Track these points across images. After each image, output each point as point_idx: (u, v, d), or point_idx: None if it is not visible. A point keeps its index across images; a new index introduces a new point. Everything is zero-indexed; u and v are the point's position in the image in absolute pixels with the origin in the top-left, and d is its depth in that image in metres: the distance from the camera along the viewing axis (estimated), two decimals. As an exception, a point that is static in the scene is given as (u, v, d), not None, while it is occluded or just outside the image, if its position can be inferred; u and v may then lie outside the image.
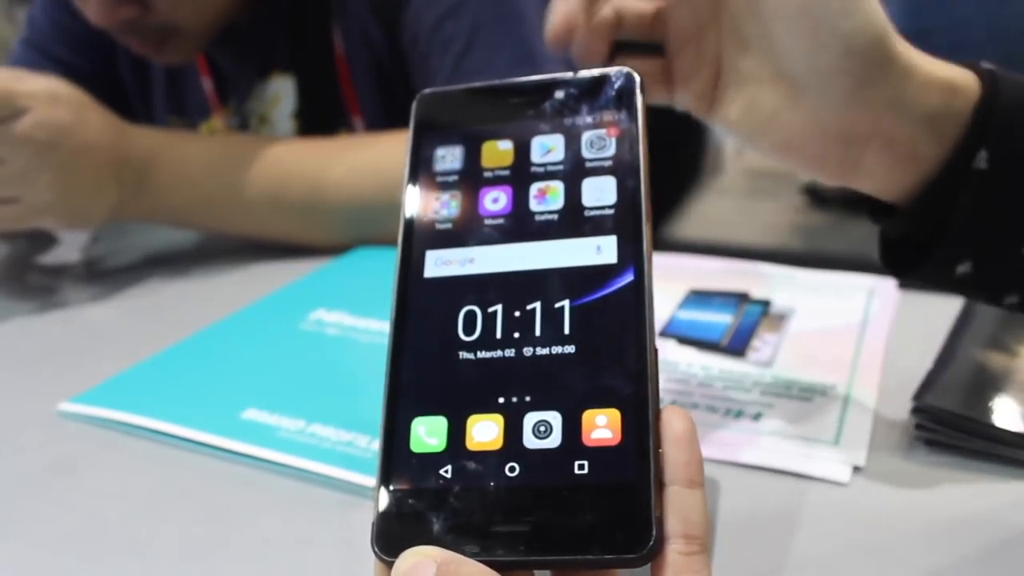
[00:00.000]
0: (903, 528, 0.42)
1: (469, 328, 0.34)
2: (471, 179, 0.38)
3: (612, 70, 0.38)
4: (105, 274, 0.78)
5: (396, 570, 0.28)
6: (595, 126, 0.37)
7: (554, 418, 0.31)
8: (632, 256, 0.34)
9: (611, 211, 0.35)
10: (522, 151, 0.38)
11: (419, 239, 0.37)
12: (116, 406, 0.52)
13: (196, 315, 0.65)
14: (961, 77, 0.41)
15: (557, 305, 0.33)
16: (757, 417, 0.51)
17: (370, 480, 0.44)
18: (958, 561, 0.40)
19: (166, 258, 0.81)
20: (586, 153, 0.37)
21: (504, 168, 0.38)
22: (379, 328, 0.61)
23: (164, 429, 0.50)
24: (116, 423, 0.51)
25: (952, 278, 0.43)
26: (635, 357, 0.31)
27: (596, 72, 0.38)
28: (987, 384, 0.51)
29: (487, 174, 0.38)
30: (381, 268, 0.74)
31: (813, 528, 0.42)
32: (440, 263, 0.36)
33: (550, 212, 0.36)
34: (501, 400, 0.32)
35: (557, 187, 0.36)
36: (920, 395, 0.49)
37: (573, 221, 0.35)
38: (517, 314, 0.33)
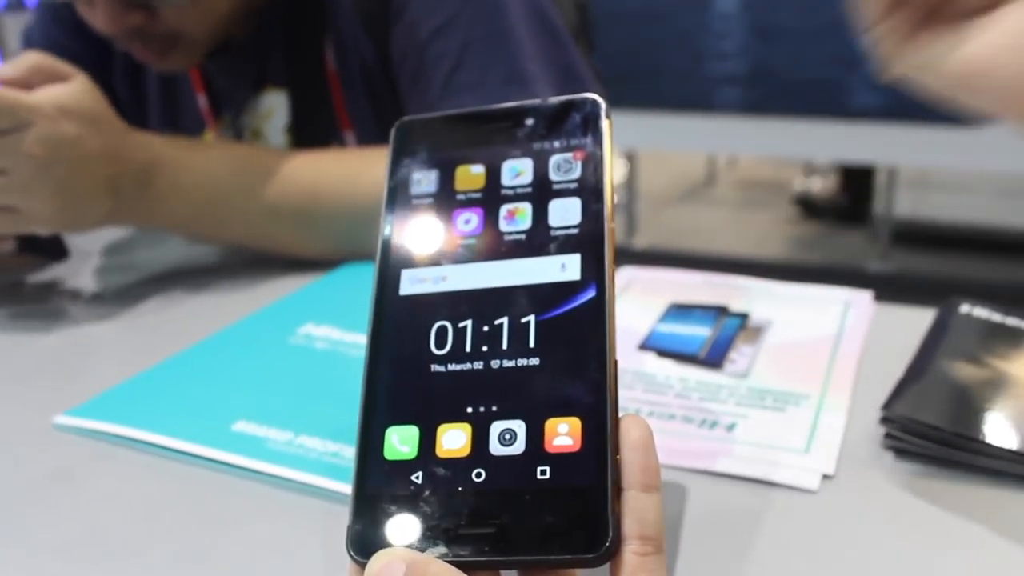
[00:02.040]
0: (869, 535, 0.43)
1: (441, 342, 0.36)
2: (445, 201, 0.40)
3: (579, 97, 0.40)
4: (98, 290, 0.79)
5: (368, 571, 0.30)
6: (562, 150, 0.39)
7: (518, 426, 0.33)
8: (594, 273, 0.35)
9: (575, 230, 0.37)
10: (493, 174, 0.40)
11: (396, 258, 0.39)
12: (110, 419, 0.54)
13: (188, 330, 0.67)
14: None
15: (523, 320, 0.35)
16: (731, 427, 0.52)
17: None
18: (922, 568, 0.41)
19: (157, 275, 0.82)
20: (553, 176, 0.39)
21: (476, 191, 0.40)
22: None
23: (157, 441, 0.51)
24: (111, 435, 0.53)
25: None
26: (595, 369, 0.33)
27: (564, 99, 0.40)
28: (956, 395, 0.52)
29: (460, 196, 0.40)
30: (368, 284, 0.75)
31: (782, 535, 0.43)
32: (415, 281, 0.38)
33: (518, 232, 0.38)
34: (469, 410, 0.34)
35: (525, 208, 0.38)
36: (889, 405, 0.51)
37: (540, 240, 0.37)
38: (486, 328, 0.35)
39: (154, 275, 0.82)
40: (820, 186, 3.79)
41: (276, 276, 0.79)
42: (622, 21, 2.89)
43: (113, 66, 1.04)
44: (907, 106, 2.74)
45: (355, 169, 0.81)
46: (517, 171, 0.40)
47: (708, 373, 0.59)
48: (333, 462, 0.49)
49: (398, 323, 0.37)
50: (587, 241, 0.37)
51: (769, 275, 0.74)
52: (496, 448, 0.32)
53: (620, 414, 0.32)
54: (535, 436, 0.32)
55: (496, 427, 0.33)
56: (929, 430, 0.49)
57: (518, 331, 0.35)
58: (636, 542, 0.30)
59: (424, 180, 0.41)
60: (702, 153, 4.20)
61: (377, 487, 0.33)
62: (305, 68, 0.94)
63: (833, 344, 0.62)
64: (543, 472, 0.31)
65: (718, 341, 0.62)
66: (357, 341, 0.63)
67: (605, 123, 0.39)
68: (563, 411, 0.33)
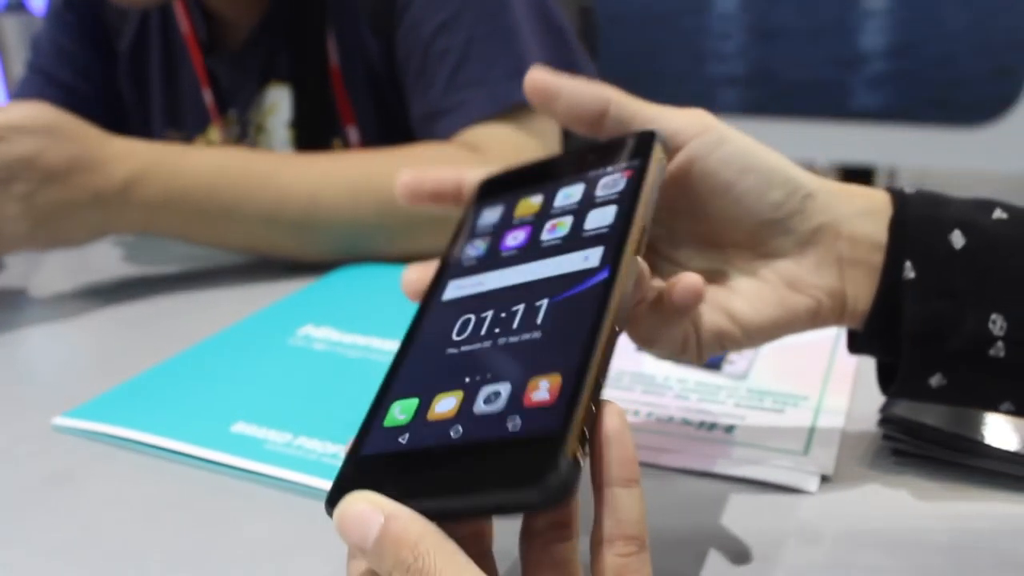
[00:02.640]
0: (867, 536, 0.43)
1: (461, 330, 0.37)
2: (502, 226, 0.42)
3: (639, 131, 0.42)
4: (97, 292, 0.79)
5: (341, 510, 0.30)
6: (612, 173, 0.41)
7: (504, 387, 0.33)
8: (612, 259, 0.36)
9: (605, 230, 0.38)
10: (548, 200, 0.42)
11: (446, 273, 0.41)
12: (109, 420, 0.54)
13: (187, 331, 0.67)
14: (874, 192, 0.46)
15: (537, 303, 0.36)
16: (730, 429, 0.52)
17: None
18: (920, 569, 0.41)
19: (156, 277, 0.82)
20: (599, 192, 0.40)
21: (530, 215, 0.42)
22: (365, 343, 0.63)
23: (156, 442, 0.51)
24: (110, 436, 0.53)
25: (930, 391, 0.45)
26: (589, 333, 0.33)
27: (626, 134, 0.43)
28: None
29: (515, 221, 0.42)
30: (367, 285, 0.75)
31: (780, 536, 0.43)
32: (456, 288, 0.40)
33: (556, 239, 0.39)
34: (467, 380, 0.34)
35: (567, 220, 0.40)
36: (887, 406, 0.51)
37: (573, 242, 0.39)
38: (503, 315, 0.36)
39: (153, 277, 0.82)
40: (820, 187, 3.79)
41: (275, 277, 0.79)
42: (622, 23, 2.89)
43: (117, 67, 1.05)
44: (907, 107, 2.74)
45: (355, 175, 0.81)
46: (568, 194, 0.41)
47: (707, 374, 0.59)
48: (332, 463, 0.49)
49: (432, 322, 0.39)
50: (612, 235, 0.37)
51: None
52: (479, 407, 0.33)
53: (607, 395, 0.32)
54: (517, 394, 0.32)
55: (484, 391, 0.33)
56: (928, 431, 0.49)
57: (530, 312, 0.36)
58: (619, 543, 0.30)
59: (490, 215, 0.43)
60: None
61: (365, 449, 0.34)
62: (307, 63, 0.95)
63: (832, 345, 0.62)
64: (514, 424, 0.31)
65: (717, 342, 0.62)
66: (356, 342, 0.63)
67: (657, 147, 0.41)
68: (547, 369, 0.32)
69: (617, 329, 0.34)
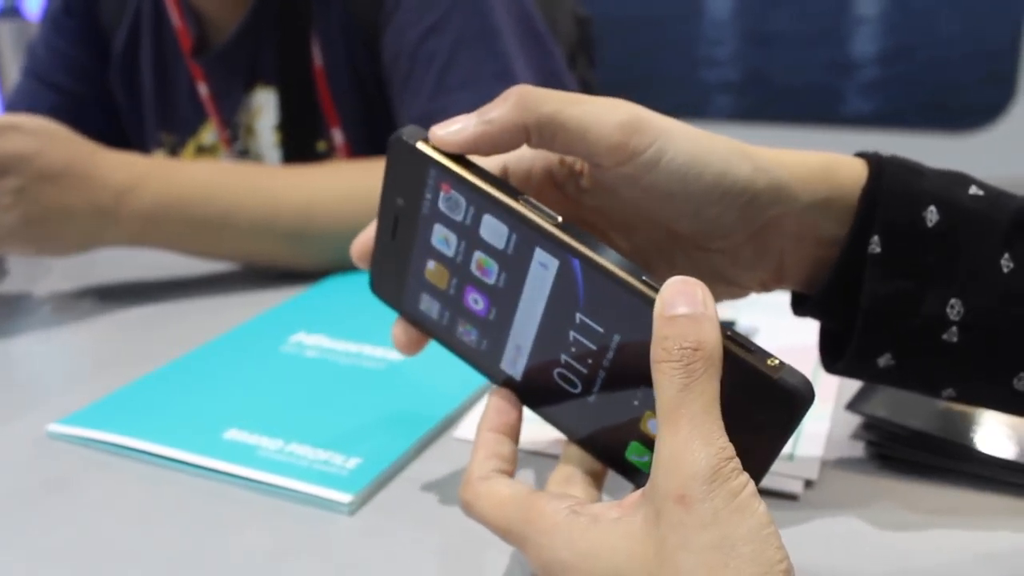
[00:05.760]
0: (852, 540, 0.44)
1: (572, 384, 0.41)
2: (452, 304, 0.44)
3: (389, 147, 0.44)
4: (90, 300, 0.80)
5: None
6: (434, 196, 0.42)
7: None
8: (560, 245, 0.38)
9: (516, 236, 0.39)
10: (441, 259, 0.43)
11: (482, 363, 0.45)
12: (104, 427, 0.54)
13: (180, 339, 0.67)
14: (842, 166, 0.43)
15: (578, 321, 0.38)
16: (716, 434, 0.53)
17: (345, 496, 0.46)
18: (904, 574, 0.42)
19: (149, 285, 0.83)
20: (457, 217, 0.41)
21: (452, 278, 0.43)
22: (357, 351, 0.63)
23: (150, 449, 0.52)
24: (104, 443, 0.53)
25: (876, 371, 0.44)
26: (636, 298, 0.36)
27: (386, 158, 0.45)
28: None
29: (452, 292, 0.44)
30: (359, 293, 0.75)
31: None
32: (510, 365, 0.43)
33: (498, 274, 0.41)
34: (635, 402, 0.39)
35: (481, 256, 0.41)
36: (858, 403, 0.51)
37: (512, 264, 0.40)
38: (576, 351, 0.39)
39: (145, 284, 0.83)
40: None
41: (268, 285, 0.80)
42: (615, 29, 2.90)
43: (110, 70, 1.06)
44: (900, 113, 2.75)
45: (348, 184, 0.81)
46: (443, 240, 0.43)
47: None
48: (324, 469, 0.49)
49: (546, 406, 0.42)
50: (530, 232, 0.39)
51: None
52: None
53: None
54: None
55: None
56: (912, 435, 0.49)
57: (586, 331, 0.38)
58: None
59: (428, 305, 0.45)
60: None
61: None
62: (292, 66, 0.95)
63: (818, 352, 0.62)
64: None
65: (705, 349, 0.63)
66: (348, 349, 0.64)
67: (421, 144, 0.42)
68: None
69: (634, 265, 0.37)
